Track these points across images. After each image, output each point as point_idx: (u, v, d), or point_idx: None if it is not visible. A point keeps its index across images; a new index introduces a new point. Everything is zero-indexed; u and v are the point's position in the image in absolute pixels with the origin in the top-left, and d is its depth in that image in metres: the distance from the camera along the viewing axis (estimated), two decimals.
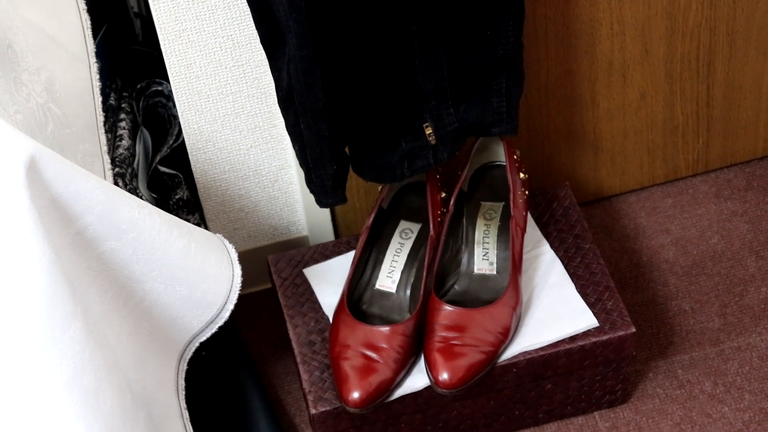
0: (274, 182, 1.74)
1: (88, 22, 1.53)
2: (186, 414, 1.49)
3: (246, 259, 1.68)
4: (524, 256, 1.65)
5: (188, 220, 1.69)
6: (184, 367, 1.49)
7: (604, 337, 1.58)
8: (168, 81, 1.64)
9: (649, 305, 1.77)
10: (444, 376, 1.52)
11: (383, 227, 1.66)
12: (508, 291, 1.57)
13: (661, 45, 1.74)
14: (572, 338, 1.58)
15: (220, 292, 1.46)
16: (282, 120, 1.54)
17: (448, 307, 1.55)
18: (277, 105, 1.53)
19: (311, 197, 1.56)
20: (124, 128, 1.63)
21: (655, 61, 1.75)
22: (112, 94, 1.66)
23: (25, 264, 1.24)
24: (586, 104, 1.78)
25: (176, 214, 1.68)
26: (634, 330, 1.58)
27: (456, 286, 1.62)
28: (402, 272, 1.63)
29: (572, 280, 1.64)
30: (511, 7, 1.50)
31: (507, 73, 1.54)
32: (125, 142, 1.61)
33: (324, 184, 1.53)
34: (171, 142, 1.70)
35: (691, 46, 1.75)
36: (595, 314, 1.60)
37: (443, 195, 1.64)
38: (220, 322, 1.47)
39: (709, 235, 1.84)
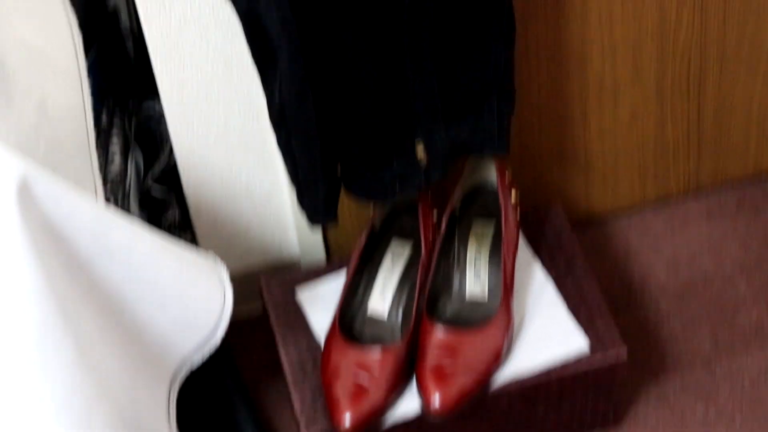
0: (266, 203, 1.73)
1: (80, 41, 1.52)
2: None
3: (237, 280, 1.67)
4: (516, 277, 1.64)
5: (180, 240, 1.68)
6: (175, 390, 1.48)
7: (596, 360, 1.57)
8: (159, 99, 1.63)
9: (640, 327, 1.77)
10: (436, 399, 1.51)
11: (375, 248, 1.65)
12: (499, 313, 1.56)
13: (651, 65, 1.74)
14: (564, 360, 1.57)
15: (212, 313, 1.45)
16: (274, 140, 1.54)
17: (440, 330, 1.54)
18: (269, 124, 1.53)
19: (303, 219, 1.55)
20: (115, 147, 1.63)
21: (646, 82, 1.76)
22: (104, 113, 1.65)
23: (15, 285, 1.23)
24: (577, 124, 1.78)
25: (168, 234, 1.67)
26: (625, 353, 1.58)
27: (448, 308, 1.61)
28: (394, 294, 1.62)
29: (564, 301, 1.63)
30: (503, 27, 1.50)
31: (498, 93, 1.54)
32: (117, 161, 1.61)
33: (316, 203, 1.52)
34: (163, 161, 1.69)
35: (681, 66, 1.76)
36: (586, 336, 1.59)
37: (435, 215, 1.64)
38: (212, 344, 1.47)
39: (700, 257, 1.84)
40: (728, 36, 1.74)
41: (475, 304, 1.61)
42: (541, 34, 1.68)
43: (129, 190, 1.63)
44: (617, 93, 1.76)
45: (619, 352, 1.57)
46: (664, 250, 1.85)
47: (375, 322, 1.60)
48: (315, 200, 1.52)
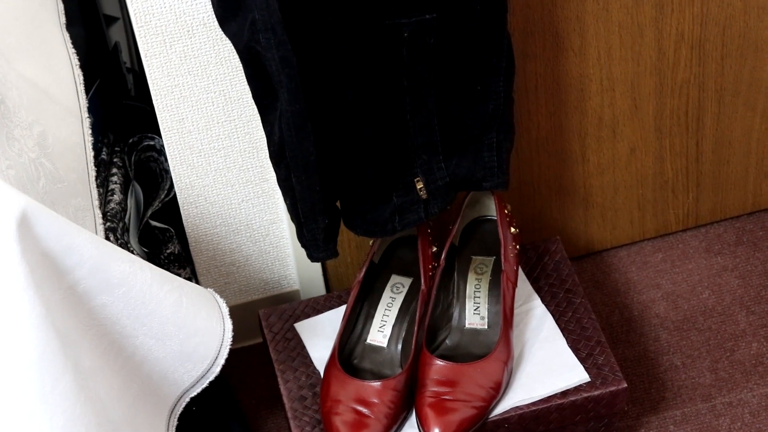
0: (266, 236, 1.74)
1: (81, 78, 1.54)
2: None
3: (237, 313, 1.68)
4: (515, 311, 1.65)
5: (179, 275, 1.69)
6: (174, 422, 1.48)
7: (596, 392, 1.58)
8: (160, 136, 1.64)
9: (640, 360, 1.77)
10: (435, 431, 1.51)
11: (374, 281, 1.66)
12: (499, 345, 1.57)
13: (650, 101, 1.75)
14: (564, 393, 1.58)
15: (211, 346, 1.46)
16: (273, 174, 1.55)
17: (439, 362, 1.54)
18: (268, 159, 1.54)
19: (302, 251, 1.56)
20: (115, 183, 1.64)
21: (645, 117, 1.76)
22: (104, 149, 1.66)
23: (15, 319, 1.24)
24: (577, 159, 1.78)
25: (167, 269, 1.68)
26: (625, 385, 1.58)
27: (447, 341, 1.61)
28: (393, 327, 1.63)
29: (563, 335, 1.64)
30: (502, 63, 1.51)
31: (498, 128, 1.55)
32: (117, 197, 1.62)
33: (315, 239, 1.53)
34: (162, 196, 1.70)
35: (680, 102, 1.76)
36: (586, 369, 1.60)
37: (434, 249, 1.64)
38: (211, 377, 1.47)
39: (699, 290, 1.84)
40: (726, 72, 1.75)
41: (475, 337, 1.61)
42: (540, 70, 1.69)
43: (128, 225, 1.64)
44: (616, 128, 1.77)
45: (618, 384, 1.58)
46: (664, 284, 1.85)
47: (374, 354, 1.60)
48: (315, 236, 1.52)
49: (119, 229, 1.59)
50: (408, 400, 1.56)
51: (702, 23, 1.70)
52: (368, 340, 1.61)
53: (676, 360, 1.77)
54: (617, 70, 1.71)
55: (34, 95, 1.43)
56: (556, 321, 1.65)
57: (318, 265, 1.77)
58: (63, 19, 1.55)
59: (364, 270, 1.63)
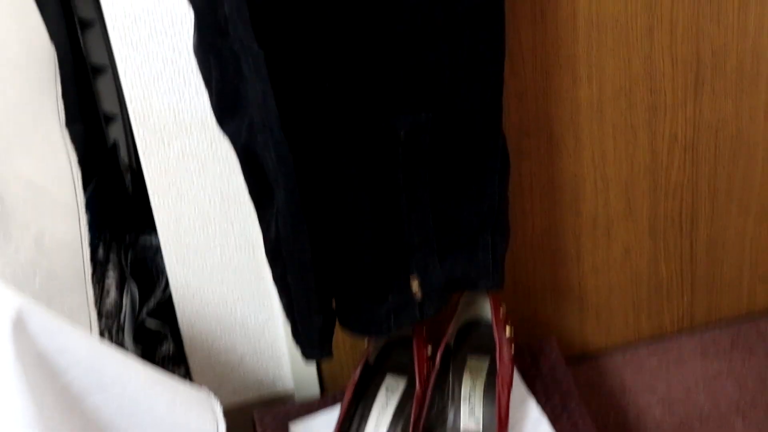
0: (261, 336, 1.73)
1: (79, 175, 1.54)
2: None
3: (231, 413, 1.66)
4: (510, 413, 1.63)
5: (174, 373, 1.68)
6: None
7: None
8: (156, 233, 1.64)
9: None
10: None
11: (369, 382, 1.65)
12: None
13: (644, 202, 1.76)
14: None
15: None
16: (269, 273, 1.54)
17: None
18: (264, 258, 1.54)
19: (297, 351, 1.55)
20: (111, 280, 1.63)
21: (639, 218, 1.77)
22: (101, 246, 1.66)
23: (8, 419, 1.22)
24: (571, 259, 1.78)
25: (162, 367, 1.67)
26: None
27: None
28: (388, 428, 1.61)
29: None
30: (497, 163, 1.52)
31: (493, 228, 1.55)
32: (112, 295, 1.61)
33: (310, 337, 1.52)
34: (158, 294, 1.69)
35: (673, 203, 1.77)
36: None
37: (429, 350, 1.63)
38: None
39: (695, 395, 1.83)
40: (719, 175, 1.76)
41: None
42: (535, 170, 1.69)
43: (124, 323, 1.63)
44: (610, 229, 1.77)
45: None
46: (659, 388, 1.84)
47: None
48: (310, 335, 1.51)
49: (114, 328, 1.58)
50: None
51: (695, 126, 1.71)
52: None
53: None
54: (611, 171, 1.72)
55: (32, 193, 1.43)
56: (552, 424, 1.64)
57: (313, 366, 1.76)
58: (62, 117, 1.56)
59: (359, 370, 1.62)
